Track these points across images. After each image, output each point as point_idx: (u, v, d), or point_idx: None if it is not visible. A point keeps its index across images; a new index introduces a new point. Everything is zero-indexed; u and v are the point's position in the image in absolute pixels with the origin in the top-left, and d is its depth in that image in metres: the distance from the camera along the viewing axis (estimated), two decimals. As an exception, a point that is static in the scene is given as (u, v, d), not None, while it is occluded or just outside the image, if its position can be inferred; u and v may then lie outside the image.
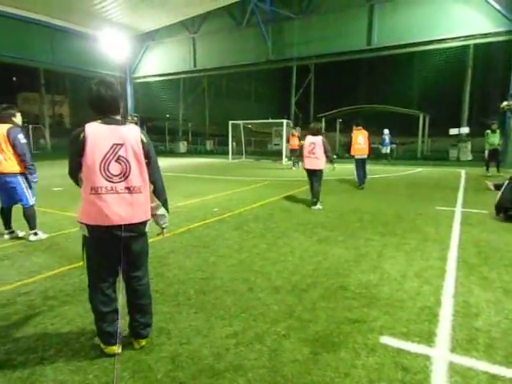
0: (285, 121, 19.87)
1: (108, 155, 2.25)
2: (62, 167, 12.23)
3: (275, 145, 27.90)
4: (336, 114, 21.12)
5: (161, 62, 23.56)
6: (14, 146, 4.61)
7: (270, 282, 3.59)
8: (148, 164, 2.38)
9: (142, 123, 25.23)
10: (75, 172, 2.31)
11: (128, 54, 21.07)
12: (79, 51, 20.59)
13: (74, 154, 2.24)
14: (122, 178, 2.29)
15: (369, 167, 10.33)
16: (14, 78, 28.54)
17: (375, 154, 20.40)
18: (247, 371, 2.25)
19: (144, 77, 24.61)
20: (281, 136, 20.82)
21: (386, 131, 19.44)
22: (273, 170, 15.65)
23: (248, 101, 35.02)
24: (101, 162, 2.23)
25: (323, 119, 20.92)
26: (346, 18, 17.90)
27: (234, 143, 22.92)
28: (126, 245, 2.33)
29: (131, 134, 2.35)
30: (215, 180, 12.06)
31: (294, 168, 15.73)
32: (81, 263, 4.00)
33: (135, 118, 24.20)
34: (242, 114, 23.89)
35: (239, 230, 5.63)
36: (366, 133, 9.49)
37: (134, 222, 2.33)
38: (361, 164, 9.60)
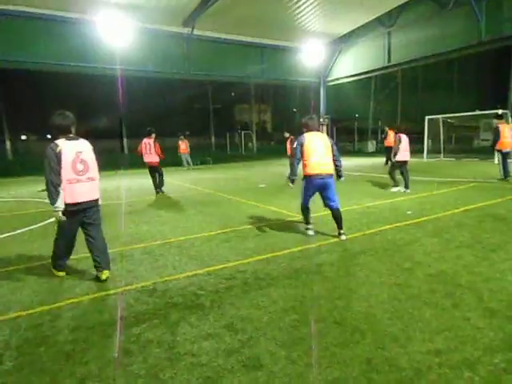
0: (501, 111, 16.38)
1: (75, 159, 3.57)
2: (265, 166, 13.97)
3: (483, 140, 23.49)
4: None
5: (353, 63, 23.55)
6: None
7: (482, 303, 3.08)
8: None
9: (332, 124, 26.00)
10: (57, 172, 3.48)
11: (323, 59, 22.06)
12: (282, 63, 23.00)
13: (55, 161, 3.47)
14: (85, 172, 3.64)
15: None
16: (233, 94, 34.77)
17: None
18: (454, 397, 2.02)
19: (336, 79, 25.20)
20: (492, 130, 17.33)
21: None
22: (480, 171, 13.21)
23: (448, 92, 30.74)
24: (71, 163, 3.54)
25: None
26: None
27: (430, 140, 20.56)
28: (89, 212, 3.73)
29: (86, 145, 3.75)
30: (408, 181, 11.17)
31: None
32: (285, 251, 4.50)
33: (326, 120, 25.16)
34: (441, 108, 21.16)
35: (438, 237, 5.06)
36: (510, 125, 10.11)
37: (93, 198, 3.75)
38: (506, 157, 10.03)
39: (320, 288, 3.50)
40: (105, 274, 3.76)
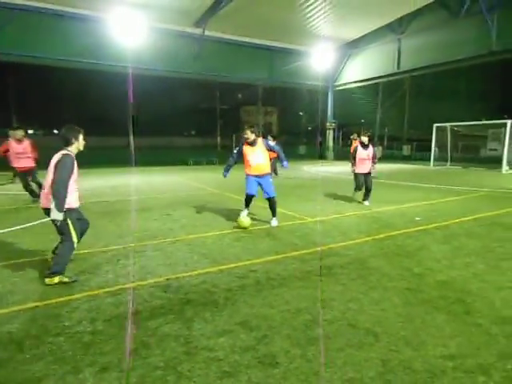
0: (510, 121, 16.40)
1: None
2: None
3: (491, 150, 23.54)
4: None
5: (362, 68, 23.60)
6: None
7: (494, 310, 3.10)
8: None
9: (339, 129, 26.03)
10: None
11: (331, 63, 22.10)
12: (290, 67, 23.05)
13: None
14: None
15: None
16: (240, 95, 35.00)
17: None
18: (470, 400, 2.05)
19: (344, 84, 25.22)
20: (500, 139, 17.36)
21: None
22: (487, 180, 13.20)
23: (455, 100, 30.71)
24: None
25: None
26: None
27: (437, 148, 20.57)
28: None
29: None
30: (415, 187, 11.20)
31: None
32: (295, 253, 4.52)
33: (333, 125, 25.20)
34: (447, 116, 21.20)
35: (448, 244, 5.08)
36: None
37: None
38: None
39: (331, 290, 3.53)
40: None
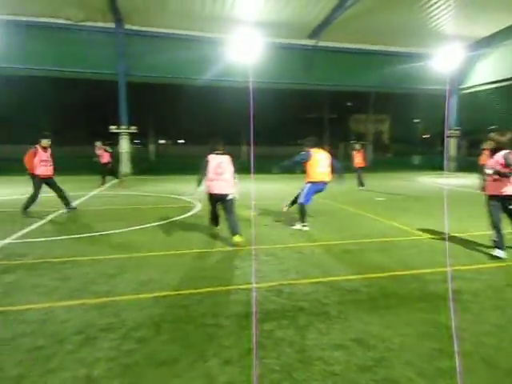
0: None
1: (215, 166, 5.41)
2: (380, 179, 13.22)
3: None
4: None
5: (495, 68, 20.61)
6: None
7: None
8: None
9: (463, 137, 23.15)
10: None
11: (457, 65, 19.85)
12: (407, 71, 21.48)
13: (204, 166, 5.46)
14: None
15: None
16: (349, 103, 34.16)
17: None
18: None
19: (473, 86, 22.39)
20: None
21: None
22: None
23: None
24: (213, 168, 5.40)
25: None
26: None
27: None
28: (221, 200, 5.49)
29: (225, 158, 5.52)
30: None
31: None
32: (413, 271, 4.20)
33: (456, 132, 22.52)
34: None
35: None
36: None
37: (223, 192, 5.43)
38: None
39: (461, 319, 3.13)
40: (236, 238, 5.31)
